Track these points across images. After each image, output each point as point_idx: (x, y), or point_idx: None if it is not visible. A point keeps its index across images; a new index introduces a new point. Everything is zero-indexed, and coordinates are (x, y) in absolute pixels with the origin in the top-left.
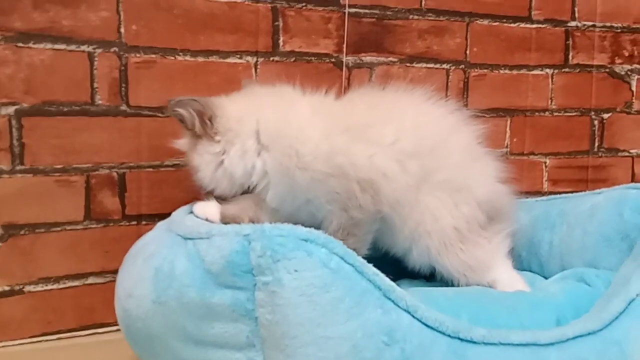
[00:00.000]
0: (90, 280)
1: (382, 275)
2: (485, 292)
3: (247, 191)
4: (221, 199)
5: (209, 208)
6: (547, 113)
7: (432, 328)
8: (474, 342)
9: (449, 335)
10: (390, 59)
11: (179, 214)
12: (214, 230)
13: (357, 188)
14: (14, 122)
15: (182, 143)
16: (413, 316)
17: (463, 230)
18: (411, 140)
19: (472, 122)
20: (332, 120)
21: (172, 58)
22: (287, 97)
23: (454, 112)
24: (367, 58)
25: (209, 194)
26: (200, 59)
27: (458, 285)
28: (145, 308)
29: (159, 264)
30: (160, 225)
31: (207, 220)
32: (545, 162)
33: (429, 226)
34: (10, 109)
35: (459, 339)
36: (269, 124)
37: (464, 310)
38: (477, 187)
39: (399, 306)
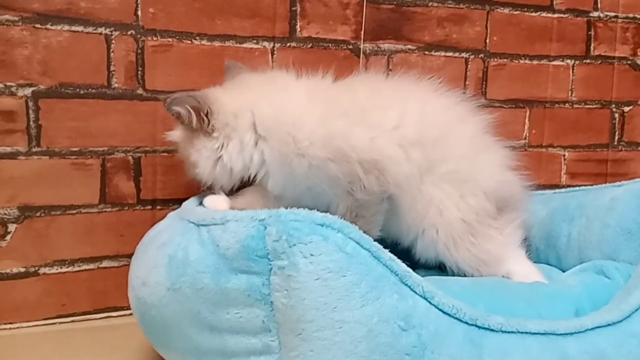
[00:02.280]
0: (105, 263)
1: (398, 261)
2: (501, 282)
3: (247, 183)
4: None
5: (219, 201)
6: (567, 105)
7: (448, 315)
8: (492, 330)
9: (466, 323)
10: (409, 46)
11: (190, 203)
12: (228, 216)
13: (359, 170)
14: (30, 103)
15: (176, 135)
16: (430, 302)
17: (472, 222)
18: (414, 128)
19: (479, 112)
20: (330, 104)
21: (189, 42)
22: (281, 84)
23: (460, 102)
24: (385, 45)
25: (208, 189)
26: (216, 44)
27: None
28: (160, 295)
29: (172, 252)
30: (172, 214)
31: None
32: (564, 155)
33: (435, 220)
34: (27, 91)
35: (476, 326)
36: (264, 115)
37: (481, 300)
38: (483, 178)
39: (415, 292)
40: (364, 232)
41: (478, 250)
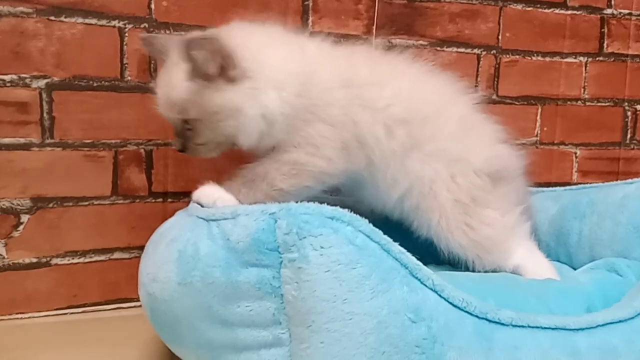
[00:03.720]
0: (116, 255)
1: (408, 254)
2: (512, 278)
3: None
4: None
5: (213, 190)
6: (579, 102)
7: (458, 308)
8: (502, 324)
9: (476, 316)
10: (421, 42)
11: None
12: (239, 210)
13: (340, 143)
14: (44, 95)
15: (182, 88)
16: (440, 295)
17: (467, 202)
18: (403, 106)
19: (469, 91)
20: (337, 69)
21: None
22: (294, 39)
23: (451, 82)
24: (397, 40)
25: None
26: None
27: (476, 269)
28: (170, 290)
29: (182, 247)
30: (179, 212)
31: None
32: (575, 153)
33: (429, 201)
34: (41, 82)
35: (486, 319)
36: (287, 65)
37: (491, 295)
38: (473, 156)
39: (425, 285)
40: (288, 190)
41: (477, 235)
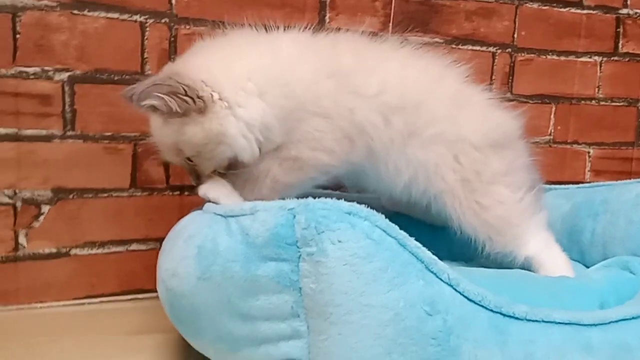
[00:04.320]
0: (134, 246)
1: (423, 249)
2: (526, 275)
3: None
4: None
5: (219, 186)
6: (593, 102)
7: (473, 302)
8: (516, 318)
9: (491, 310)
10: (436, 39)
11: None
12: (258, 206)
13: (339, 131)
14: (66, 88)
15: (165, 134)
16: (455, 289)
17: (473, 181)
18: (395, 94)
19: (456, 65)
20: (318, 61)
21: (220, 31)
22: (263, 39)
23: (437, 59)
24: (413, 38)
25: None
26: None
27: (487, 250)
28: (190, 285)
29: (201, 243)
30: (195, 211)
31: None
32: (588, 152)
33: (437, 184)
34: (64, 75)
35: (500, 314)
36: (260, 71)
37: (505, 290)
38: (470, 133)
39: (440, 279)
40: (290, 183)
41: (488, 215)
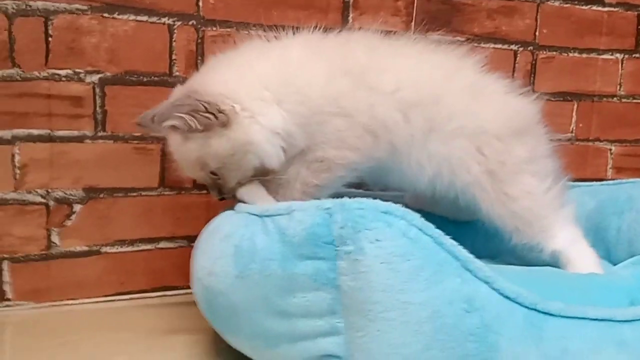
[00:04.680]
0: (162, 244)
1: (459, 247)
2: (556, 272)
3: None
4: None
5: (258, 191)
6: (615, 99)
7: (509, 299)
8: (551, 315)
9: (527, 307)
10: (458, 38)
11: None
12: (294, 206)
13: (360, 127)
14: (97, 90)
15: (189, 150)
16: (491, 287)
17: (498, 170)
18: (413, 90)
19: (471, 55)
20: (332, 62)
21: (246, 32)
22: (273, 47)
23: (450, 53)
24: (435, 37)
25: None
26: (271, 34)
27: (514, 241)
28: (228, 283)
29: (238, 242)
30: (226, 211)
31: None
32: (610, 149)
33: (463, 177)
34: (95, 77)
35: (536, 310)
36: (274, 79)
37: (536, 288)
38: (491, 124)
39: (477, 277)
40: (321, 185)
41: (516, 206)
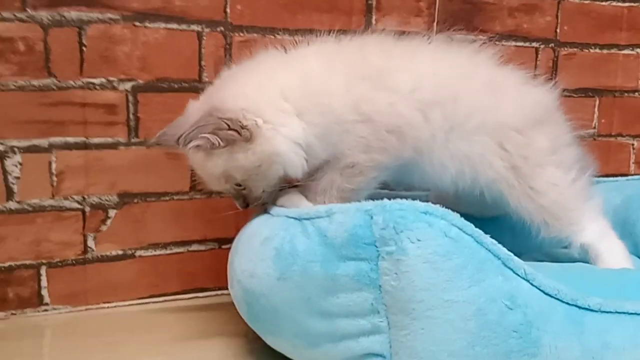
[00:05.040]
0: (194, 247)
1: (499, 246)
2: (589, 268)
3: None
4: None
5: (296, 197)
6: (636, 94)
7: (550, 295)
8: (591, 310)
9: (567, 303)
10: (480, 37)
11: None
12: (334, 209)
13: (383, 129)
14: (130, 97)
15: (214, 165)
16: (531, 284)
17: (522, 165)
18: (430, 90)
19: (487, 49)
20: (348, 68)
21: (272, 37)
22: (289, 58)
23: (466, 50)
24: (457, 36)
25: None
26: (297, 38)
27: (543, 234)
28: (269, 285)
29: (278, 245)
30: (261, 215)
31: None
32: (632, 145)
33: (487, 173)
34: (128, 85)
35: (576, 306)
36: (294, 91)
37: (572, 284)
38: (512, 118)
39: (517, 274)
40: (356, 189)
41: (544, 200)
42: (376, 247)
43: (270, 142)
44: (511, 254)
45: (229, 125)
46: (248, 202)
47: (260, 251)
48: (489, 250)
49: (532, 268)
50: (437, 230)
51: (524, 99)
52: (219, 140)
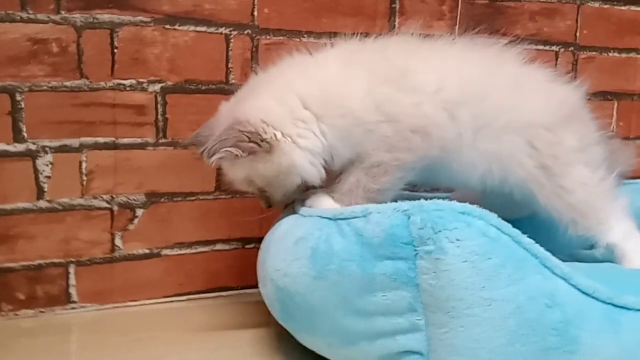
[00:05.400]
0: (218, 246)
1: (536, 245)
2: (617, 268)
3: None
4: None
5: (324, 199)
6: None
7: (586, 294)
8: (627, 308)
9: (603, 302)
10: (501, 40)
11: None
12: (370, 209)
13: (408, 129)
14: (159, 98)
15: (237, 172)
16: (569, 283)
17: (551, 164)
18: (455, 90)
19: (512, 48)
20: (370, 70)
21: (298, 40)
22: (311, 61)
23: (490, 49)
24: (480, 39)
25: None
26: (322, 41)
27: (571, 232)
28: (305, 284)
29: (313, 244)
30: (289, 215)
31: None
32: None
33: (516, 172)
34: (157, 86)
35: (612, 304)
36: (313, 96)
37: (605, 283)
38: (540, 116)
39: (555, 273)
40: (383, 189)
41: (573, 199)
42: (414, 246)
43: (287, 155)
44: (548, 253)
45: (249, 138)
46: (271, 204)
47: (295, 251)
48: (527, 250)
49: (570, 267)
50: (476, 230)
51: (551, 96)
52: (240, 152)
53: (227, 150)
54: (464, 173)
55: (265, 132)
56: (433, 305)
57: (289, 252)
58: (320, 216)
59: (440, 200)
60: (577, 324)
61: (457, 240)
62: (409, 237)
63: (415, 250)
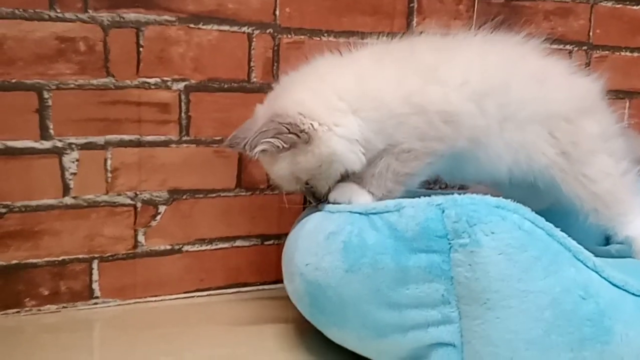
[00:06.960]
0: (238, 243)
1: (569, 238)
2: (638, 263)
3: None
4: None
5: (361, 193)
6: None
7: (618, 287)
8: None
9: (634, 294)
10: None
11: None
12: (404, 203)
13: (437, 119)
14: (182, 96)
15: (279, 169)
16: (601, 276)
17: (573, 152)
18: (480, 82)
19: (531, 42)
20: (400, 66)
21: (318, 39)
22: (344, 60)
23: (512, 41)
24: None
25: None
26: (342, 39)
27: (591, 221)
28: (337, 277)
29: (345, 239)
30: (314, 211)
31: None
32: None
33: (541, 160)
34: (181, 85)
35: None
36: (349, 90)
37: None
38: (561, 107)
39: (587, 266)
40: (410, 174)
41: (597, 188)
42: (448, 239)
43: (326, 143)
44: (581, 246)
45: (288, 129)
46: (318, 198)
47: (326, 245)
48: (561, 243)
49: (601, 261)
50: (511, 223)
51: (572, 88)
52: (282, 143)
53: (268, 141)
54: (491, 164)
55: (303, 123)
56: (467, 297)
57: (320, 246)
58: (351, 211)
59: (474, 194)
60: (611, 315)
61: (492, 233)
62: (444, 230)
63: (450, 243)
